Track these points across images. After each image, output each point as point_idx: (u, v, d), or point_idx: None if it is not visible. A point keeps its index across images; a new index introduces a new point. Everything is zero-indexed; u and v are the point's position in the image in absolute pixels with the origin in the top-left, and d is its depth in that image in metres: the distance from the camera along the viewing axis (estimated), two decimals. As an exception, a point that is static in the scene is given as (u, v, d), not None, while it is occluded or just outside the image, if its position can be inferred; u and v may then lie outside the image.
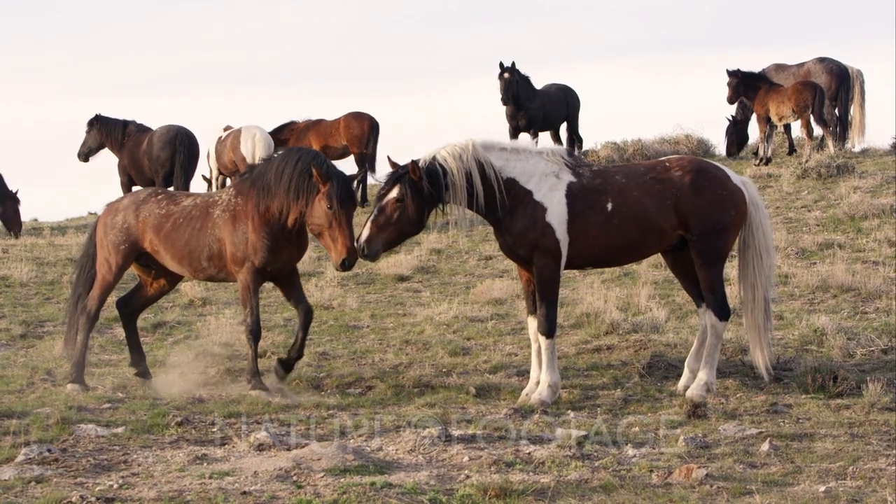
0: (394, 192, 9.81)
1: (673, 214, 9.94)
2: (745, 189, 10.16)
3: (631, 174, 10.12)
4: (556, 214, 9.88)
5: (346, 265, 9.91)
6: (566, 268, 10.13)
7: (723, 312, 10.05)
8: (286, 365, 10.59)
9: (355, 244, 9.85)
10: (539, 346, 10.08)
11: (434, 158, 9.89)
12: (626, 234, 9.96)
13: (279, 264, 10.41)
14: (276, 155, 10.60)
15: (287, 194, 10.12)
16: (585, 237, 9.94)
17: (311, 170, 10.00)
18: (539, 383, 10.03)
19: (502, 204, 9.90)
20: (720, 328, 10.08)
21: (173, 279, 11.28)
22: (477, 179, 9.84)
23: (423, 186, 9.76)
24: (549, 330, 9.98)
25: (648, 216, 9.93)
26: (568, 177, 9.99)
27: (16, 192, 22.55)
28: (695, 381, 10.09)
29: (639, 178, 10.04)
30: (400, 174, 9.84)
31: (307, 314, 10.51)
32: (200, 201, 10.74)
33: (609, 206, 9.93)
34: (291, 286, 10.63)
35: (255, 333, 10.40)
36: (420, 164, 9.80)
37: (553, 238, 9.88)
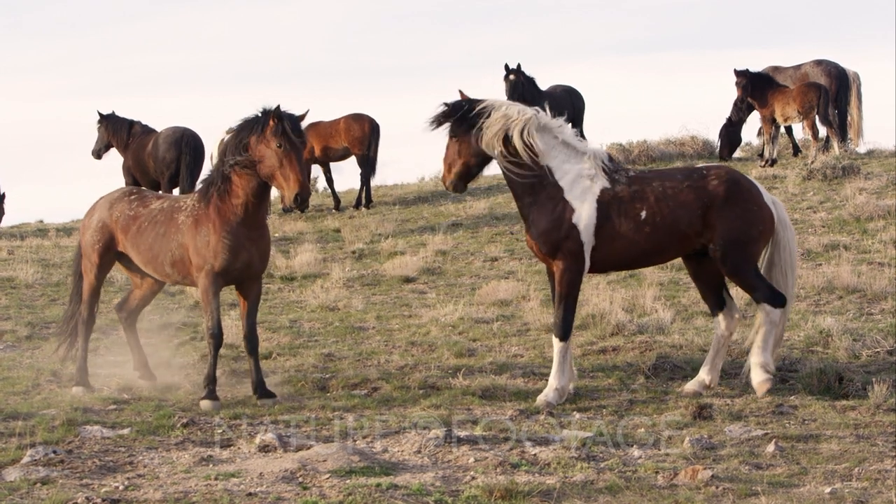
0: (448, 129, 10.17)
1: (700, 222, 9.91)
2: (774, 209, 10.11)
3: (668, 181, 10.06)
4: (584, 218, 9.88)
5: (298, 200, 9.71)
6: (589, 271, 10.14)
7: (776, 301, 9.97)
8: (259, 392, 10.18)
9: (443, 180, 10.32)
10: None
11: (489, 102, 10.15)
12: (655, 241, 9.94)
13: (239, 265, 10.10)
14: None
15: (235, 153, 9.93)
16: (613, 243, 9.92)
17: (255, 120, 9.86)
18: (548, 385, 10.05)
19: (529, 189, 10.00)
20: (776, 315, 9.99)
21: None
22: (498, 144, 10.00)
23: (467, 121, 10.08)
24: (563, 332, 9.96)
25: (680, 225, 9.91)
26: (602, 182, 9.98)
27: (3, 195, 22.67)
28: (751, 365, 10.06)
29: (676, 185, 10.00)
30: (447, 112, 10.17)
31: (249, 341, 10.20)
32: (167, 205, 10.55)
33: (643, 213, 9.92)
34: (248, 300, 10.30)
35: (216, 337, 10.15)
36: (469, 102, 10.15)
37: (577, 241, 9.88)
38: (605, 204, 9.91)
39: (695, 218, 9.91)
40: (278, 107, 9.90)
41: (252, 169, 9.93)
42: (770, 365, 10.02)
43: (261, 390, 10.19)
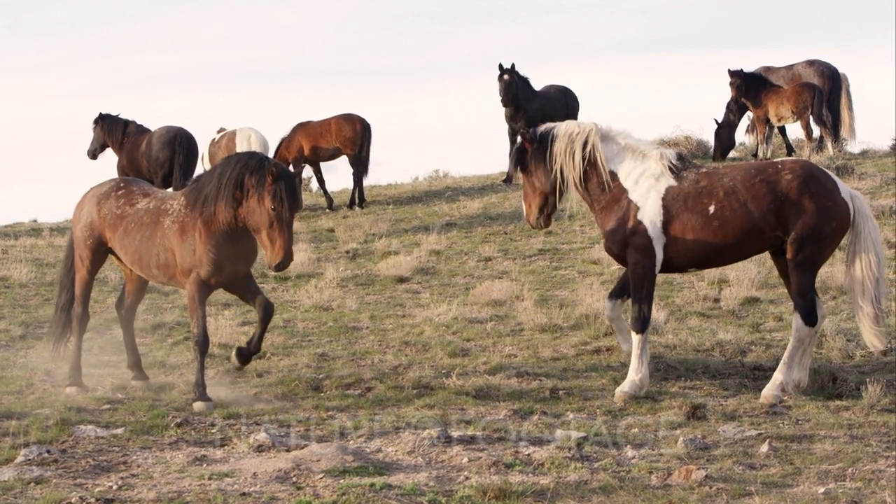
0: (521, 166, 10.47)
1: (774, 217, 9.83)
2: (851, 203, 9.96)
3: (739, 176, 10.02)
4: (650, 214, 9.97)
5: (279, 268, 9.71)
6: (665, 270, 10.18)
7: (810, 318, 9.89)
8: (242, 356, 10.31)
9: (527, 219, 10.58)
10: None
11: (547, 127, 10.41)
12: (725, 235, 9.90)
13: (224, 277, 10.13)
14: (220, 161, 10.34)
15: (230, 198, 9.83)
16: (684, 239, 9.95)
17: (257, 167, 9.77)
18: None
19: (598, 196, 10.20)
20: (804, 332, 9.92)
21: None
22: (578, 162, 10.21)
23: (534, 153, 10.35)
24: (639, 326, 10.04)
25: (750, 219, 9.86)
26: (668, 180, 10.05)
27: None
28: (770, 381, 10.03)
29: (747, 180, 9.95)
30: (518, 147, 10.47)
31: (266, 308, 10.25)
32: (153, 206, 10.43)
33: (711, 208, 9.91)
34: (245, 288, 10.37)
35: (201, 345, 10.10)
36: (530, 132, 10.40)
37: (645, 237, 9.95)
38: (671, 200, 9.98)
39: (767, 213, 9.84)
40: (278, 165, 9.85)
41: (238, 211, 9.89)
42: (789, 385, 9.95)
43: (245, 352, 10.30)
